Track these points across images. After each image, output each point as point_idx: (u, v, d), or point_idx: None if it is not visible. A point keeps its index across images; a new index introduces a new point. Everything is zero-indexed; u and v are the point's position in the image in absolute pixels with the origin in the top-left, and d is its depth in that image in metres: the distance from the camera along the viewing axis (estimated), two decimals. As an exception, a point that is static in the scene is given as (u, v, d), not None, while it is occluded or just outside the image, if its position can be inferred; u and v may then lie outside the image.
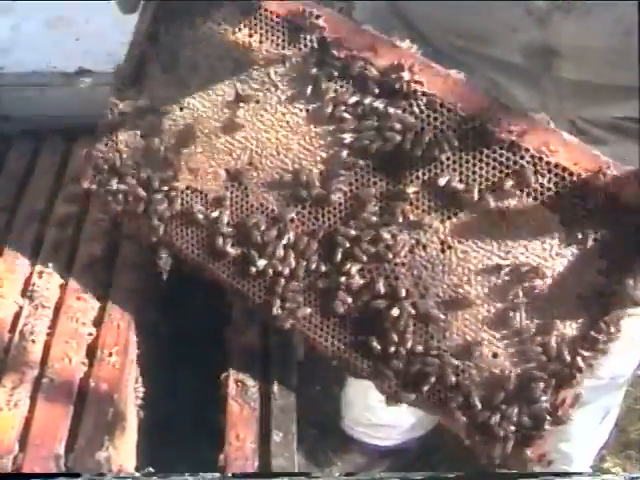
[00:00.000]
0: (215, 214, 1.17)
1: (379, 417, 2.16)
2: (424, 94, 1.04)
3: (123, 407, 1.18)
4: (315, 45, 1.09)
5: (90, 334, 1.26)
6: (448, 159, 1.04)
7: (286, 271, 1.12)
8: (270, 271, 1.13)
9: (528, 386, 1.03)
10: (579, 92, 1.27)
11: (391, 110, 1.05)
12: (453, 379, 1.07)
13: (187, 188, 1.20)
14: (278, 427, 1.10)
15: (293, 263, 1.12)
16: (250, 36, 1.13)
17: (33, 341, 1.24)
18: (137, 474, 1.09)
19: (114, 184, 1.25)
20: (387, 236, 1.07)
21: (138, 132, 1.24)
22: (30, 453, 1.10)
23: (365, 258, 1.08)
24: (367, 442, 2.21)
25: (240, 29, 1.14)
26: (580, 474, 2.07)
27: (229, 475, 1.06)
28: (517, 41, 1.21)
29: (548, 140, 1.00)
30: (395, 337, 1.08)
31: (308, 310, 1.13)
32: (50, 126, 1.67)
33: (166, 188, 1.21)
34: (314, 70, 1.09)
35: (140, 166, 1.23)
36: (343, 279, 1.09)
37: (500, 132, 1.00)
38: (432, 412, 1.17)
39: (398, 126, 1.05)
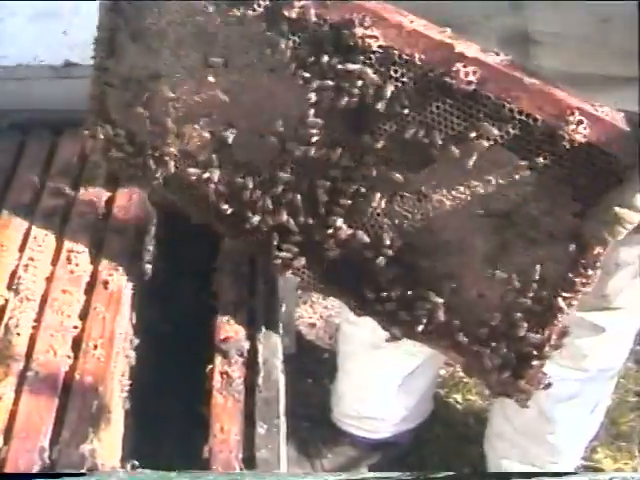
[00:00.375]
0: (206, 175, 1.22)
1: (369, 410, 2.16)
2: (380, 47, 1.03)
3: (108, 400, 1.17)
4: (268, 4, 1.09)
5: (75, 327, 1.26)
6: (411, 112, 1.04)
7: (279, 225, 1.18)
8: (264, 226, 1.19)
9: (512, 325, 1.07)
10: (559, 81, 1.26)
11: (349, 66, 1.05)
12: (442, 318, 1.13)
13: (178, 152, 1.24)
14: (263, 419, 1.09)
15: (284, 217, 1.17)
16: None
17: (18, 334, 1.24)
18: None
19: (114, 153, 1.30)
20: (363, 190, 1.11)
21: (124, 101, 1.26)
22: (14, 446, 1.10)
23: (345, 211, 1.13)
24: (357, 435, 2.22)
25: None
26: (575, 474, 2.08)
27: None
28: (493, 28, 1.19)
29: (509, 86, 0.99)
30: (384, 284, 1.15)
31: (303, 260, 1.19)
32: (37, 120, 1.67)
33: (158, 154, 1.26)
34: (269, 32, 1.09)
35: (132, 134, 1.27)
36: (330, 231, 1.15)
37: (460, 82, 1.00)
38: (429, 346, 1.23)
39: (359, 82, 1.05)
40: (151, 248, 1.40)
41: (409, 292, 1.14)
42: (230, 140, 1.18)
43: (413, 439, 2.31)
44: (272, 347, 1.20)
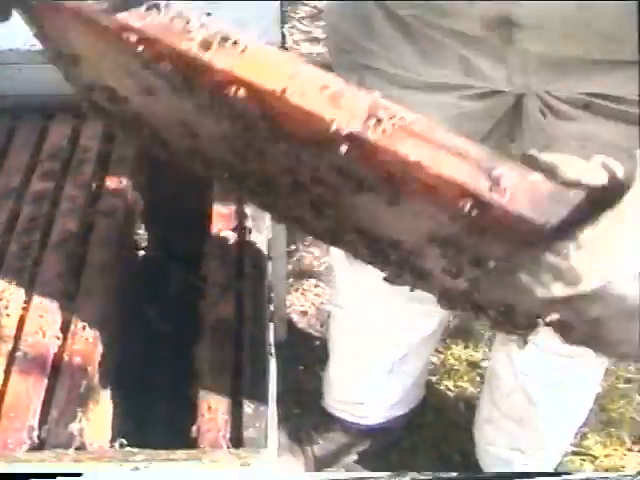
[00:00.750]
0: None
1: (359, 395, 2.17)
2: None
3: (97, 380, 1.18)
4: None
5: (64, 308, 1.26)
6: None
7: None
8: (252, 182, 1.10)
9: None
10: (545, 66, 1.25)
11: None
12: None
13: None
14: (250, 399, 1.10)
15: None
16: None
17: (8, 315, 1.24)
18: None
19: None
20: None
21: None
22: (3, 425, 1.10)
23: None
24: (348, 420, 2.23)
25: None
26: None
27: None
28: (475, 12, 1.19)
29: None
30: None
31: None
32: (27, 104, 1.67)
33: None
34: None
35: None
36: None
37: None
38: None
39: None
40: (141, 231, 1.41)
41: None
42: None
43: (404, 425, 2.32)
44: (260, 327, 1.20)
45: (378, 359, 2.07)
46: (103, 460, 1.06)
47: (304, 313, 2.62)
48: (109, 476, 1.10)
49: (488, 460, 2.20)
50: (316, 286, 2.68)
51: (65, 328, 1.23)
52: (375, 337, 2.02)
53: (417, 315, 1.96)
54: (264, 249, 1.35)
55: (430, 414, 2.37)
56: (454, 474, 2.04)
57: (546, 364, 1.84)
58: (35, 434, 1.10)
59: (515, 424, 2.04)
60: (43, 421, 1.11)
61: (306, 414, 2.33)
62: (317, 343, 2.53)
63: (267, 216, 1.43)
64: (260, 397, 1.11)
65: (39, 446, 1.09)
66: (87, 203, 1.44)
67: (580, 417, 2.11)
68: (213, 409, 1.11)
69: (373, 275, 1.86)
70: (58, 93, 1.58)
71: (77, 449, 1.07)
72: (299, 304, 2.64)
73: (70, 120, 1.63)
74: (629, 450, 2.36)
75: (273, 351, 1.67)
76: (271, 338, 1.51)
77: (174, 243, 1.54)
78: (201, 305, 1.24)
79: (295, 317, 2.61)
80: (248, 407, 1.10)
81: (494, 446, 2.16)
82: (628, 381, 2.41)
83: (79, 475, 1.08)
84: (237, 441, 1.07)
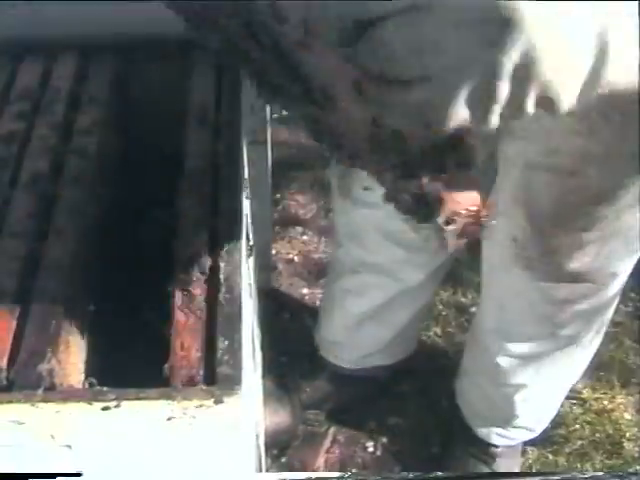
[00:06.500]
0: None
1: (341, 335, 2.17)
2: None
3: (67, 321, 1.15)
4: None
5: (35, 249, 1.23)
6: None
7: None
8: None
9: None
10: None
11: None
12: None
13: None
14: (224, 335, 1.07)
15: None
16: None
17: (-23, 258, 1.21)
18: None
19: None
20: None
21: None
22: (-29, 367, 1.07)
23: None
24: (331, 363, 2.22)
25: None
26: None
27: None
28: None
29: None
30: None
31: None
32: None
33: None
34: None
35: None
36: None
37: None
38: None
39: None
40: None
41: None
42: None
43: (390, 376, 2.31)
44: (234, 264, 1.17)
45: (360, 300, 2.05)
46: (72, 400, 1.02)
47: (290, 261, 2.60)
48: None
49: (466, 411, 2.20)
50: (302, 234, 2.65)
51: (35, 268, 1.20)
52: (360, 278, 2.01)
53: (402, 263, 1.94)
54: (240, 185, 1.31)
55: (418, 360, 2.35)
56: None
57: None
58: (3, 376, 1.06)
59: (488, 381, 2.03)
60: (12, 363, 1.08)
61: (292, 362, 2.32)
62: (303, 291, 2.51)
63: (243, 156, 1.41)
64: (234, 333, 1.08)
65: (7, 388, 1.05)
66: (58, 143, 1.40)
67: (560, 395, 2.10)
68: (186, 347, 1.08)
69: (367, 221, 1.87)
70: (28, 36, 1.55)
71: (46, 390, 1.04)
72: (285, 252, 2.61)
73: (40, 61, 1.57)
74: (618, 394, 2.36)
75: (254, 292, 1.64)
76: (251, 277, 1.49)
77: (147, 181, 1.50)
78: (174, 242, 1.21)
79: (281, 265, 2.58)
80: (222, 343, 1.07)
81: (467, 399, 2.17)
82: (617, 325, 2.39)
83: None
84: (211, 378, 1.04)
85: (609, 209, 1.51)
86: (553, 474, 2.05)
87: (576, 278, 1.66)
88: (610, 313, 1.86)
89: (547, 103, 0.90)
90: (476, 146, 0.98)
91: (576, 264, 1.63)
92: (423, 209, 1.08)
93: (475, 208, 1.09)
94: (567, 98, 0.90)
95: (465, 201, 1.08)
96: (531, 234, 1.61)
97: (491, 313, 1.91)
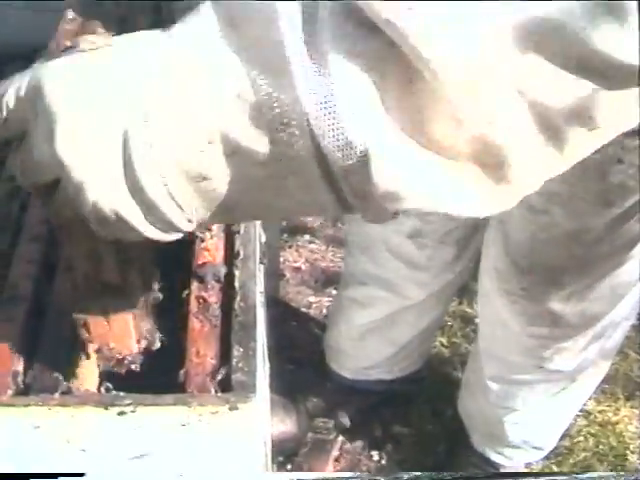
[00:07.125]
0: None
1: (343, 344, 2.18)
2: None
3: (84, 326, 1.16)
4: None
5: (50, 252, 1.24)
6: None
7: None
8: None
9: None
10: None
11: None
12: None
13: None
14: (239, 343, 1.08)
15: None
16: None
17: (-7, 259, 1.22)
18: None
19: None
20: None
21: None
22: (-12, 370, 1.08)
23: None
24: (335, 372, 2.24)
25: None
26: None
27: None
28: None
29: None
30: None
31: None
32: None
33: None
34: None
35: None
36: None
37: None
38: None
39: None
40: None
41: None
42: None
43: (393, 391, 2.32)
44: (249, 272, 1.18)
45: (364, 312, 2.07)
46: (89, 404, 1.04)
47: (297, 269, 2.61)
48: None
49: (466, 422, 2.21)
50: (310, 242, 2.66)
51: (51, 271, 1.21)
52: (367, 290, 2.02)
53: (405, 280, 1.96)
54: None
55: (424, 371, 2.37)
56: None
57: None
58: (20, 379, 1.08)
59: (484, 400, 2.04)
60: (29, 366, 1.09)
61: (299, 371, 2.33)
62: (311, 299, 2.53)
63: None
64: (249, 341, 1.09)
65: (24, 391, 1.07)
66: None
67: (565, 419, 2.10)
68: (201, 354, 1.09)
69: (375, 233, 1.88)
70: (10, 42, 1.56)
71: (63, 394, 1.05)
72: (293, 260, 2.63)
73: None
74: (622, 406, 2.36)
75: (263, 299, 1.65)
76: (261, 284, 1.49)
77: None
78: (191, 249, 1.22)
79: (288, 273, 2.59)
80: (237, 351, 1.08)
81: (464, 409, 2.17)
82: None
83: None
84: (226, 385, 1.05)
85: (586, 251, 1.52)
86: (559, 474, 2.06)
87: (556, 321, 1.66)
88: (611, 344, 1.83)
89: None
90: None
91: (556, 305, 1.63)
92: None
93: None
94: None
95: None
96: (510, 266, 1.62)
97: (483, 334, 1.93)
